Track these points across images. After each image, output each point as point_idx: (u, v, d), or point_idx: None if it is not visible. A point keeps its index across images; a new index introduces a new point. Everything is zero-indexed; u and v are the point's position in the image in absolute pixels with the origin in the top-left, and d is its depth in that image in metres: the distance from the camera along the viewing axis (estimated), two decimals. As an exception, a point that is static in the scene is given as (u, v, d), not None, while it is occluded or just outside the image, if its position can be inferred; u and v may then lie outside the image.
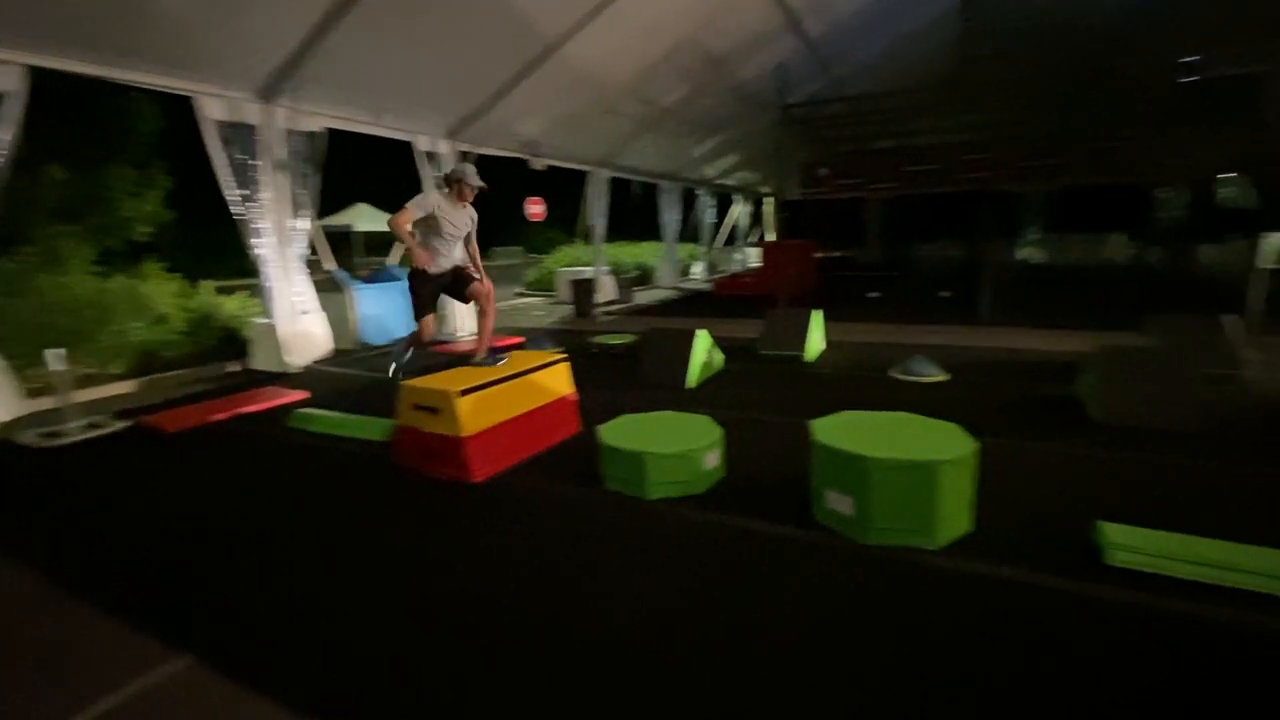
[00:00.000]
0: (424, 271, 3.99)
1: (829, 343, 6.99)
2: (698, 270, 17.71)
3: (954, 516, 2.59)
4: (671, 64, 9.62)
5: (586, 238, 12.53)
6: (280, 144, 6.53)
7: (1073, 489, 3.11)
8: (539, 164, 10.40)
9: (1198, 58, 8.07)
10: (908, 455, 2.53)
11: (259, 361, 6.76)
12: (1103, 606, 2.17)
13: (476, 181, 4.02)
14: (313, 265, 7.56)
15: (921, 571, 2.42)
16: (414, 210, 3.83)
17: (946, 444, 2.63)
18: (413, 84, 7.39)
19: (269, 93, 6.33)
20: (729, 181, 18.22)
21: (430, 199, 3.91)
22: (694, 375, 5.36)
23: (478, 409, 3.43)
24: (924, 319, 8.70)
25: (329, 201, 11.02)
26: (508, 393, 3.66)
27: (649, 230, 16.75)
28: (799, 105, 9.99)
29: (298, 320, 6.79)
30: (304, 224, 6.85)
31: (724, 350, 6.22)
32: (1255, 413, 4.25)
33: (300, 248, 6.85)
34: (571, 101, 9.35)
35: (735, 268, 19.41)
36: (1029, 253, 19.19)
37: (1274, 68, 7.03)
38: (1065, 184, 13.99)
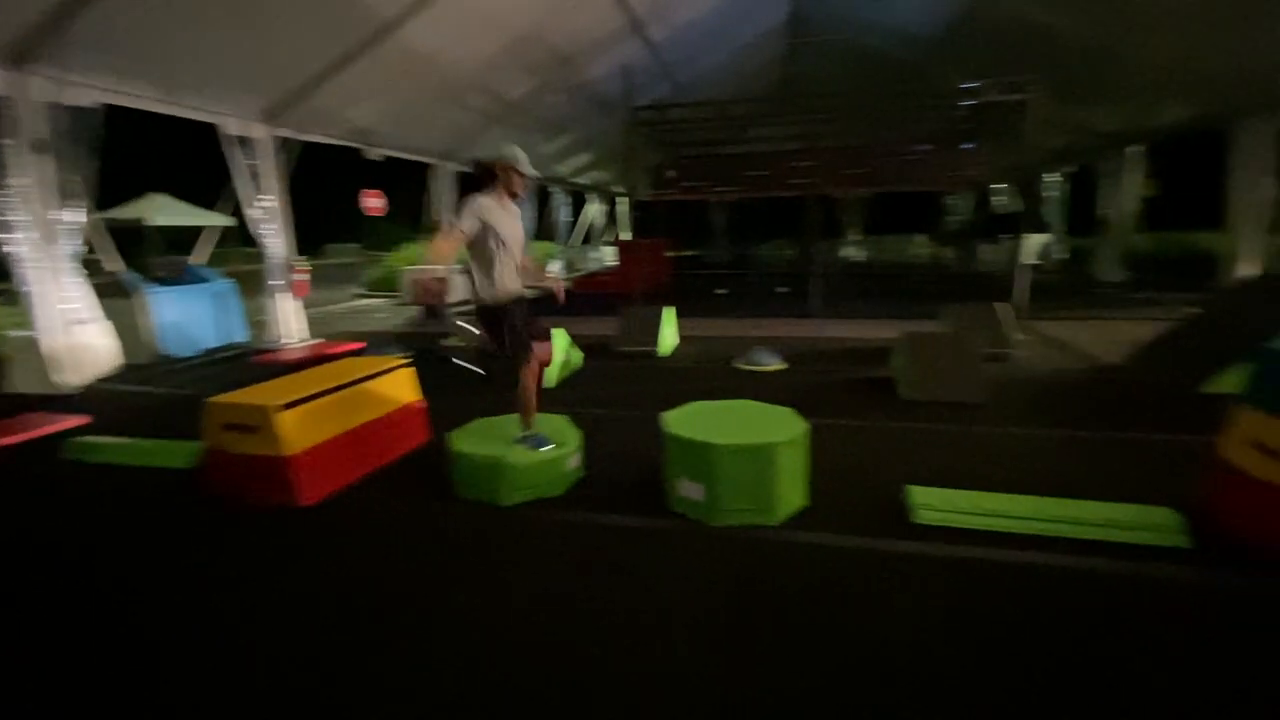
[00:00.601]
0: (501, 305, 3.09)
1: (682, 338, 7.26)
2: (555, 269, 17.58)
3: (791, 493, 2.80)
4: (517, 57, 9.41)
5: (435, 234, 11.88)
6: (39, 120, 5.40)
7: (888, 459, 3.50)
8: (375, 154, 9.66)
9: (977, 84, 9.44)
10: (749, 440, 2.69)
11: (20, 382, 5.55)
12: (914, 559, 2.46)
13: (530, 170, 3.14)
14: (94, 266, 6.38)
15: (763, 546, 2.59)
16: (465, 226, 2.92)
17: (782, 427, 2.83)
18: (217, 57, 6.46)
19: (21, 57, 5.20)
20: (583, 180, 18.29)
21: (477, 204, 2.98)
22: (552, 375, 5.29)
23: (303, 424, 3.09)
24: (765, 313, 9.37)
25: (115, 191, 9.39)
26: (340, 404, 3.33)
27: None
28: (646, 108, 10.26)
29: (71, 331, 5.67)
30: (76, 217, 5.73)
31: (583, 348, 6.21)
32: (1023, 384, 5.10)
33: (72, 245, 5.72)
34: (411, 89, 8.79)
35: (593, 266, 19.55)
36: (851, 252, 21.47)
37: (1031, 96, 8.43)
38: (877, 191, 15.88)
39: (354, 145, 9.36)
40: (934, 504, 2.76)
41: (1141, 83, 9.77)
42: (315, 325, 8.70)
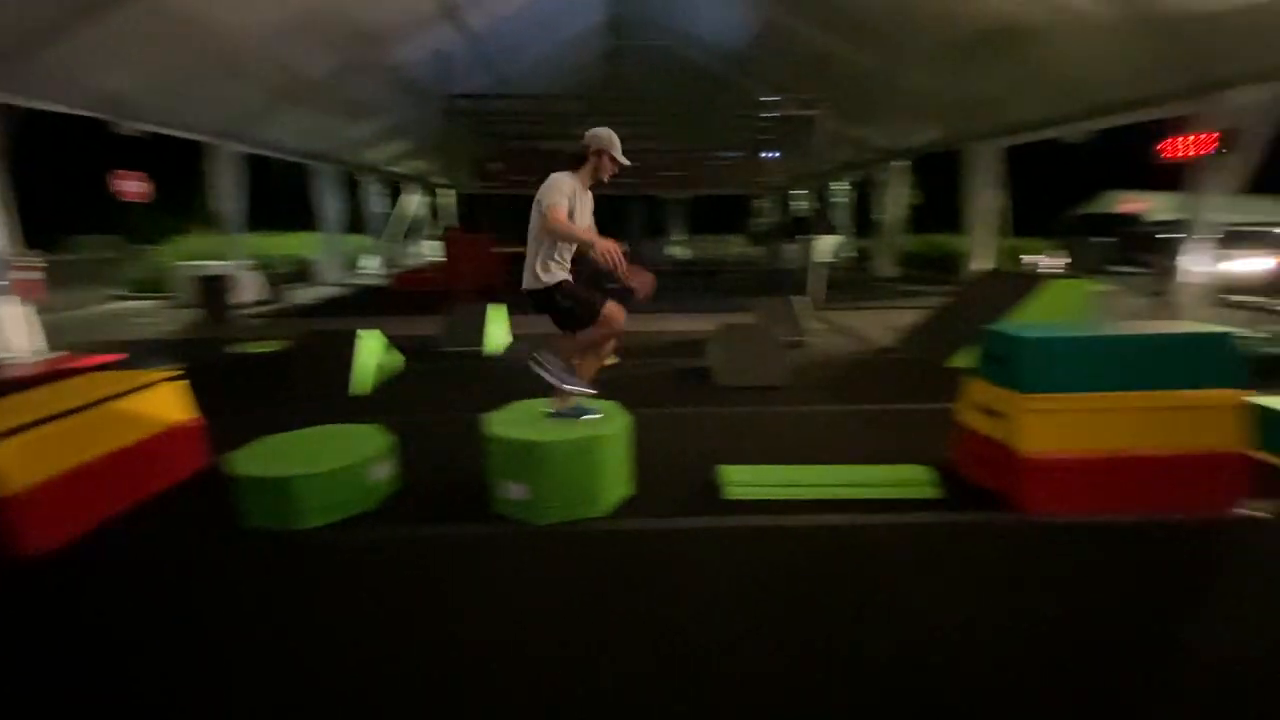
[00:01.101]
0: (565, 283, 2.97)
1: (515, 336, 7.09)
2: (370, 264, 16.22)
3: (615, 484, 2.86)
4: (312, 30, 8.47)
5: (217, 225, 10.31)
6: None
7: (705, 442, 3.74)
8: (132, 129, 8.11)
9: (775, 99, 10.42)
10: (572, 435, 2.69)
11: None
12: (725, 532, 2.65)
13: (623, 157, 2.97)
14: None
15: (591, 538, 2.61)
16: (563, 202, 2.81)
17: (608, 419, 2.88)
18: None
19: None
20: (400, 169, 17.07)
21: (568, 185, 2.85)
22: (364, 381, 4.86)
23: (27, 456, 2.49)
24: (596, 308, 9.51)
25: None
26: (80, 429, 2.74)
27: (304, 219, 14.62)
28: (465, 96, 9.85)
29: None
30: None
31: (402, 350, 5.80)
32: (817, 366, 5.74)
33: None
34: (176, 55, 7.51)
35: (414, 262, 18.39)
36: (676, 250, 22.64)
37: (817, 113, 9.52)
38: (696, 193, 16.94)
39: (101, 117, 7.76)
40: (742, 480, 3.00)
41: (903, 107, 11.52)
42: (59, 334, 7.10)
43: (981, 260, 11.29)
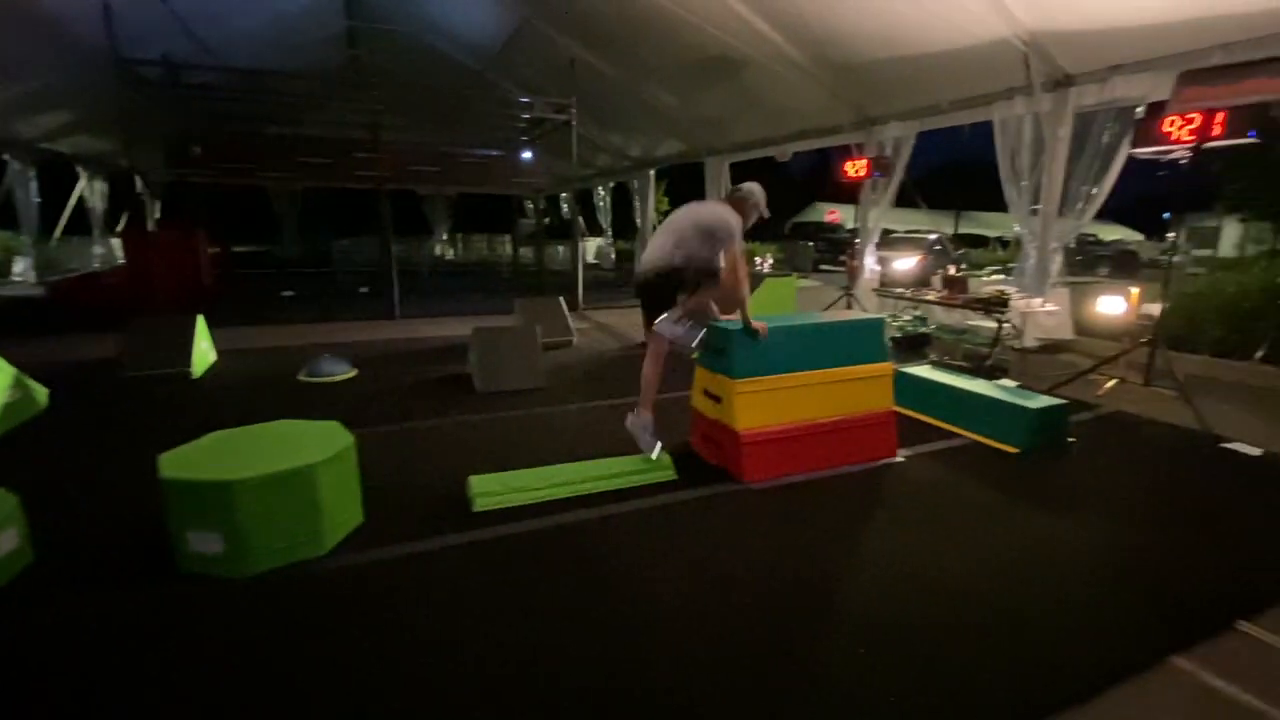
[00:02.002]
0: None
1: (225, 353, 5.98)
2: (20, 269, 12.49)
3: (340, 515, 2.54)
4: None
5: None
6: None
7: (459, 453, 3.54)
8: None
9: (530, 100, 10.40)
10: (277, 468, 2.31)
11: None
12: (470, 548, 2.52)
13: (764, 210, 3.57)
14: None
15: (312, 579, 2.28)
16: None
17: (322, 444, 2.53)
18: None
19: None
20: (64, 148, 13.38)
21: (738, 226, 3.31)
22: (-13, 423, 3.65)
23: None
24: (342, 316, 8.56)
25: None
26: None
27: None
28: (148, 63, 8.02)
29: None
30: None
31: (61, 378, 4.53)
32: (577, 365, 5.88)
33: None
34: None
35: (97, 265, 14.62)
36: (440, 250, 21.55)
37: (568, 118, 9.70)
38: (458, 191, 16.22)
39: None
40: (491, 490, 2.89)
41: (649, 120, 12.42)
42: None
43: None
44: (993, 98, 6.81)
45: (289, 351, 6.13)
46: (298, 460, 2.37)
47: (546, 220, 20.69)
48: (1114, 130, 5.99)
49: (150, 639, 1.96)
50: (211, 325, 5.87)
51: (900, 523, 2.81)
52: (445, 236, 23.25)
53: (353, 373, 5.30)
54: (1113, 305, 5.38)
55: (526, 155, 11.21)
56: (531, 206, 23.06)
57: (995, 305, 5.57)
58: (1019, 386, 4.21)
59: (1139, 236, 29.84)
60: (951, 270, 7.41)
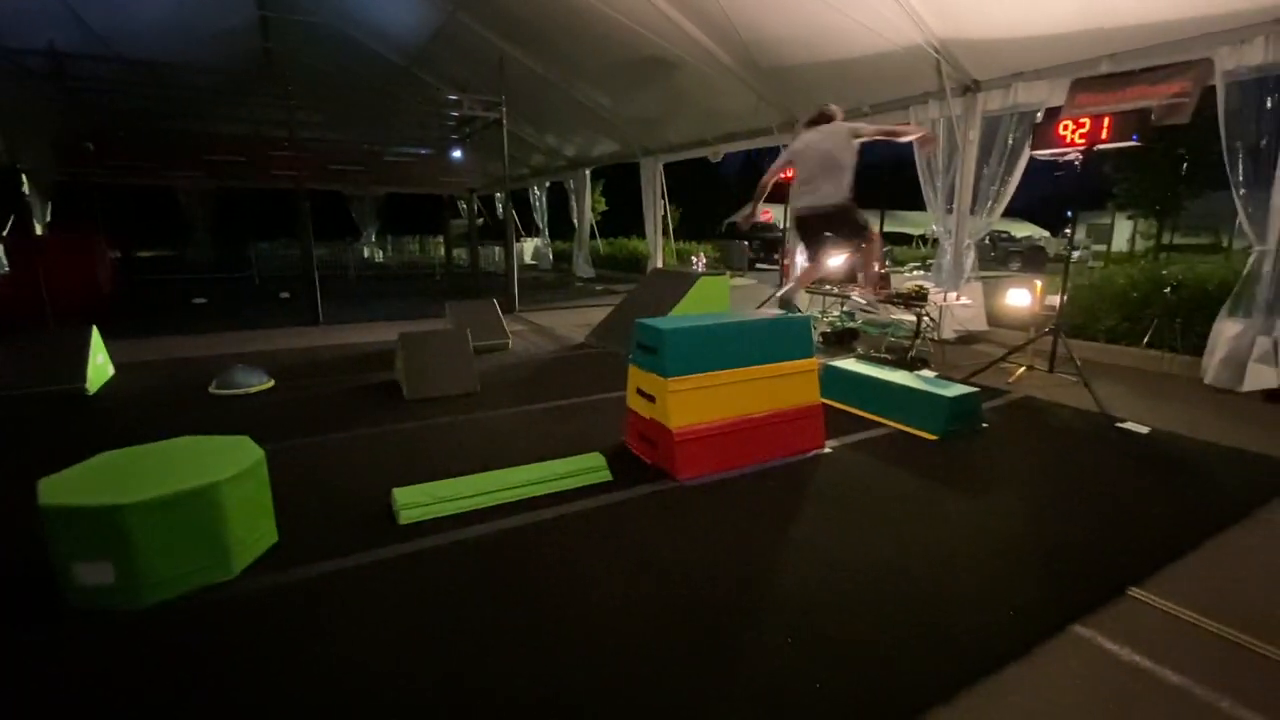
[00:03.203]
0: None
1: (126, 365, 5.54)
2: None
3: (250, 534, 2.38)
4: None
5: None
6: None
7: (380, 466, 3.39)
8: None
9: (458, 97, 10.14)
10: (175, 488, 2.14)
11: None
12: (398, 561, 2.41)
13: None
14: None
15: (219, 606, 2.12)
16: None
17: (228, 460, 2.37)
18: None
19: None
20: (-68, 145, 12.05)
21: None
22: None
23: None
24: (260, 324, 8.09)
25: None
26: None
27: None
28: (30, 53, 7.33)
29: None
30: None
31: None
32: (512, 368, 5.77)
33: None
34: None
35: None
36: (368, 252, 20.75)
37: (498, 116, 9.51)
38: (384, 191, 15.61)
39: None
40: (416, 500, 2.78)
41: (583, 120, 12.35)
42: None
43: (659, 261, 12.83)
44: (909, 101, 7.14)
45: (200, 363, 5.74)
46: (199, 479, 2.20)
47: (481, 221, 20.27)
48: (1017, 133, 6.40)
49: (35, 682, 1.78)
50: (111, 336, 5.44)
51: (828, 511, 2.89)
52: (374, 238, 22.44)
53: (269, 383, 5.01)
54: (1019, 298, 5.73)
55: (456, 154, 10.93)
56: (465, 206, 22.57)
57: (915, 300, 5.84)
58: (937, 376, 4.42)
59: (1046, 233, 32.04)
60: (877, 268, 7.72)
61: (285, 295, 10.40)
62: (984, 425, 4.01)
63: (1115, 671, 1.86)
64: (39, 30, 8.63)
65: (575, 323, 8.31)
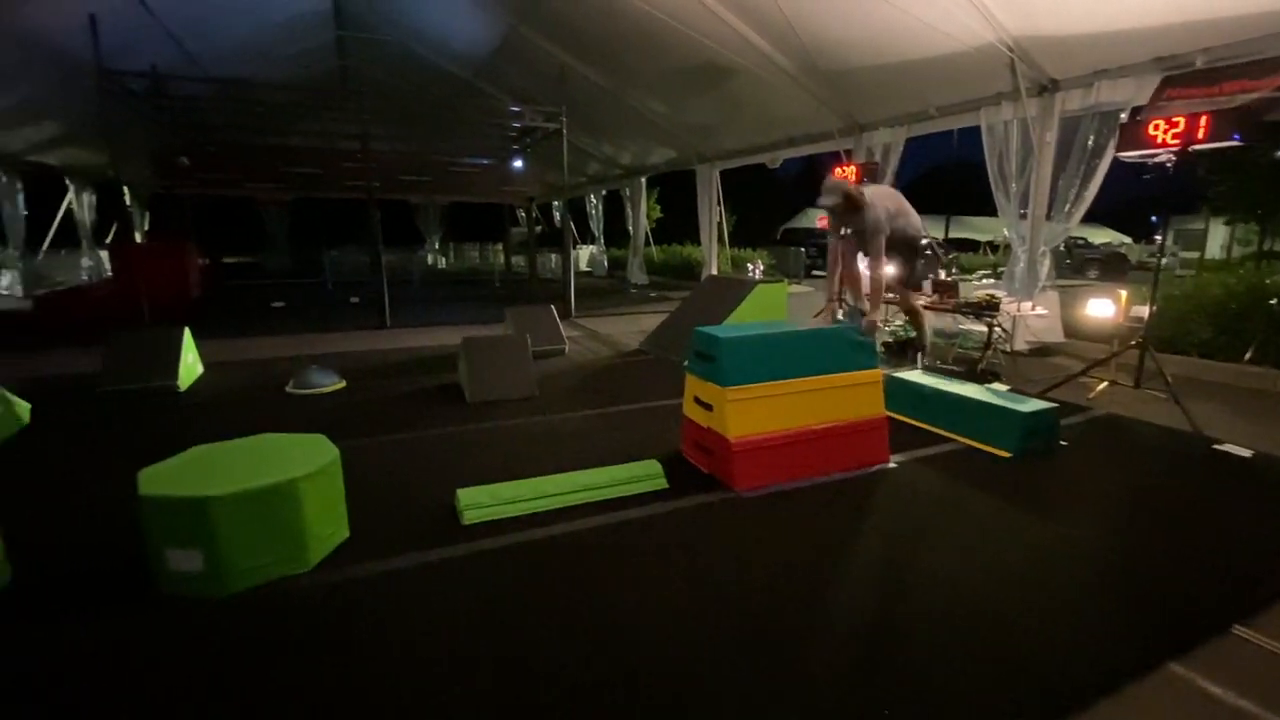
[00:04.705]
0: None
1: (213, 365, 5.92)
2: (6, 283, 12.36)
3: (325, 529, 2.49)
4: None
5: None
6: None
7: (446, 465, 3.50)
8: None
9: (520, 108, 10.40)
10: (258, 483, 2.26)
11: None
12: (462, 560, 2.47)
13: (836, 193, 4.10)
14: None
15: (295, 597, 2.23)
16: None
17: (306, 458, 2.49)
18: None
19: None
20: (51, 160, 13.29)
21: None
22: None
23: None
24: (331, 327, 8.50)
25: None
26: None
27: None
28: (133, 74, 7.98)
29: None
30: None
31: (43, 394, 4.46)
32: (567, 373, 5.84)
33: None
34: None
35: (85, 278, 14.53)
36: (432, 259, 21.50)
37: (558, 126, 9.69)
38: (448, 200, 16.17)
39: None
40: (479, 502, 2.85)
41: (640, 128, 12.45)
42: None
43: (714, 268, 12.76)
44: (980, 103, 6.86)
45: (278, 363, 6.06)
46: (280, 475, 2.32)
47: (539, 228, 20.70)
48: (1099, 134, 6.04)
49: (127, 662, 1.91)
50: (200, 337, 5.82)
51: (893, 529, 2.78)
52: (437, 246, 23.23)
53: (341, 384, 5.24)
54: (1102, 308, 5.39)
55: (517, 164, 11.20)
56: (523, 215, 23.12)
57: (986, 309, 5.58)
58: (1010, 390, 4.20)
59: (1127, 239, 30.12)
60: (942, 275, 7.43)
61: (355, 300, 10.89)
62: (1063, 443, 3.78)
63: (1218, 715, 1.71)
64: (142, 53, 9.39)
65: (629, 329, 8.35)
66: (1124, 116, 5.72)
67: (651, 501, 3.01)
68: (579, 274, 18.37)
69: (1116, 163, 5.35)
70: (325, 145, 9.62)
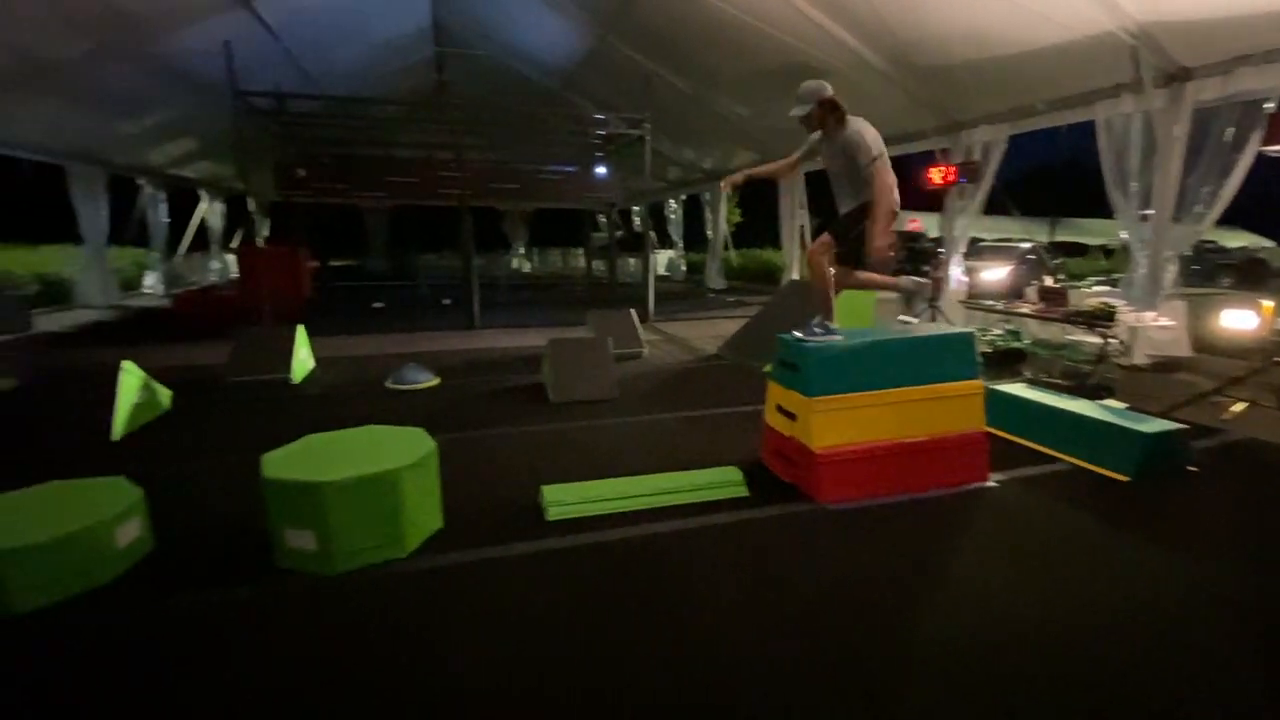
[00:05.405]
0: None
1: (321, 360, 6.41)
2: (150, 282, 13.90)
3: (421, 518, 2.64)
4: (53, 7, 7.07)
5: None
6: None
7: (531, 462, 3.61)
8: None
9: (604, 116, 10.62)
10: (364, 471, 2.43)
11: None
12: (543, 556, 2.55)
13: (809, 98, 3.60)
14: None
15: (393, 580, 2.37)
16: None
17: (406, 450, 2.64)
18: None
19: None
20: (189, 173, 14.87)
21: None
22: (119, 423, 4.06)
23: None
24: (426, 326, 8.98)
25: None
26: None
27: (61, 230, 12.16)
28: (260, 94, 8.80)
29: None
30: None
31: (180, 384, 4.99)
32: (647, 376, 5.89)
33: None
34: None
35: (214, 279, 16.14)
36: (517, 263, 22.28)
37: (644, 132, 9.82)
38: (534, 206, 16.70)
39: None
40: (564, 499, 2.92)
41: (721, 132, 12.39)
42: None
43: (795, 273, 12.47)
44: (1096, 96, 6.34)
45: (378, 360, 6.48)
46: (384, 464, 2.49)
47: (619, 233, 20.98)
48: (1240, 126, 5.43)
49: (246, 628, 2.10)
50: (310, 334, 6.31)
51: (990, 554, 2.61)
52: (522, 250, 24.03)
53: (435, 381, 5.54)
54: (1241, 319, 4.84)
55: (601, 170, 11.42)
56: (604, 220, 23.52)
57: (1100, 319, 5.14)
58: (1128, 408, 3.84)
59: (1269, 243, 26.81)
60: (1048, 281, 6.92)
61: (447, 302, 11.47)
62: (1192, 469, 3.42)
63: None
64: (265, 74, 10.33)
65: (707, 334, 8.31)
66: (1270, 106, 5.12)
67: (732, 508, 2.98)
68: (657, 278, 18.49)
69: (1258, 158, 4.80)
70: (423, 155, 10.21)
